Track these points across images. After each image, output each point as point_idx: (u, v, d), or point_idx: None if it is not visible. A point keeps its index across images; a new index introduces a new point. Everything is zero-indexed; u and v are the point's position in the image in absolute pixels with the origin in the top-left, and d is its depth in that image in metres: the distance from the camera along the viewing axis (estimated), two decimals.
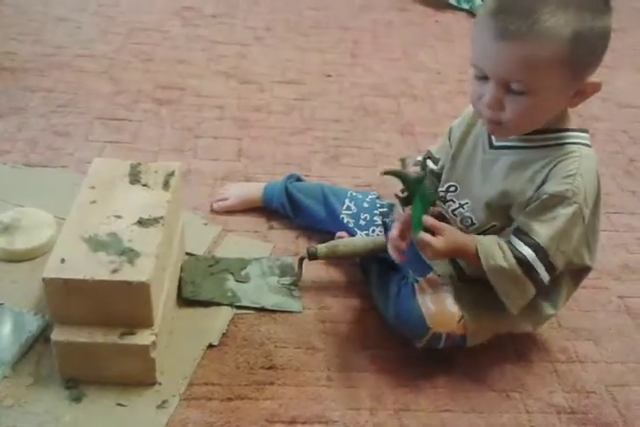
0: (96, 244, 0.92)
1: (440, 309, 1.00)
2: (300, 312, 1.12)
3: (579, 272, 1.04)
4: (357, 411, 0.98)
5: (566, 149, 0.93)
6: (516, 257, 0.94)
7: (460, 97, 1.82)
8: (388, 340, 1.08)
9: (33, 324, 1.01)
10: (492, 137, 0.99)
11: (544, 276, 0.95)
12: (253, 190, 1.34)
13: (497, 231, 1.00)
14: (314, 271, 1.20)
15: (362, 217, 1.23)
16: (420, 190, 0.93)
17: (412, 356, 1.06)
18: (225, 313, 1.09)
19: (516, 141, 0.97)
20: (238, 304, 1.11)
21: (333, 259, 1.18)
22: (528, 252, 0.93)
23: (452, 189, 1.06)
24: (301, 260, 1.15)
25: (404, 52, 2.05)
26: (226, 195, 1.33)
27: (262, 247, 1.24)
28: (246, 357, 1.03)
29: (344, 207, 1.25)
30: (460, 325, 0.99)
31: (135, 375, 0.94)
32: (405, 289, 1.05)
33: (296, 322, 1.10)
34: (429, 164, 1.11)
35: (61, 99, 1.62)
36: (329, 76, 1.87)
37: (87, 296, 0.88)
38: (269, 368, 1.01)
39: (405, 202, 0.95)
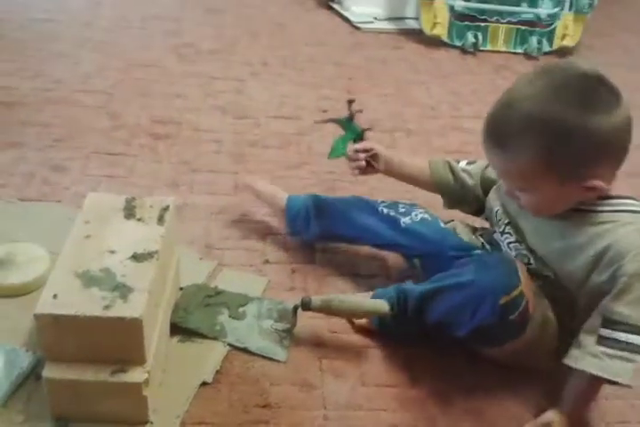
0: (89, 279, 0.91)
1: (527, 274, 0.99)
2: (283, 362, 1.07)
3: None
4: None
5: (620, 219, 0.94)
6: (630, 351, 0.92)
7: (454, 132, 1.85)
8: (387, 378, 1.07)
9: (24, 360, 0.99)
10: None
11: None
12: (280, 190, 1.36)
13: (552, 284, 1.03)
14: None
15: (400, 205, 1.24)
16: (349, 126, 1.21)
17: (411, 396, 1.04)
18: (219, 349, 1.07)
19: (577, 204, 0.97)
20: (222, 340, 1.08)
21: (327, 313, 1.12)
22: (636, 338, 0.92)
23: (507, 222, 1.09)
24: (295, 308, 1.11)
25: (398, 88, 2.08)
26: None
27: (257, 282, 1.23)
28: (240, 395, 1.01)
29: (379, 201, 1.26)
30: (533, 302, 0.97)
31: (127, 414, 0.92)
32: (490, 254, 1.11)
33: (292, 359, 1.08)
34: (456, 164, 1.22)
35: (58, 133, 1.63)
36: (325, 111, 1.89)
37: (79, 332, 0.87)
38: (264, 407, 0.99)
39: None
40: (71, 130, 1.64)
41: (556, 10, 2.48)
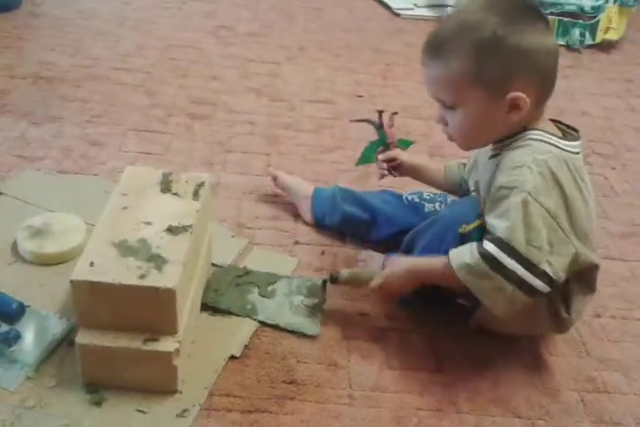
0: (125, 249, 0.92)
1: None
2: (315, 336, 1.08)
3: (585, 272, 1.02)
4: None
5: (519, 144, 0.97)
6: (480, 253, 0.94)
7: None
8: (413, 361, 1.07)
9: (58, 327, 1.01)
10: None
11: (523, 273, 0.92)
12: (307, 183, 1.40)
13: None
14: (341, 287, 1.19)
15: (425, 193, 1.29)
16: (378, 133, 1.26)
17: (436, 380, 1.04)
18: (248, 325, 1.08)
19: (493, 150, 1.03)
20: (254, 318, 1.09)
21: (355, 286, 1.14)
22: (491, 246, 0.93)
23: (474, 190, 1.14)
24: (324, 283, 1.13)
25: None
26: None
27: (287, 262, 1.24)
28: (267, 370, 1.02)
29: (404, 193, 1.31)
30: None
31: (157, 383, 0.94)
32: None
33: (319, 338, 1.09)
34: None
35: (96, 109, 1.65)
36: (360, 96, 1.88)
37: (113, 300, 0.88)
38: (290, 383, 1.00)
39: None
40: (109, 106, 1.66)
41: (601, 2, 2.42)
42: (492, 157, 1.03)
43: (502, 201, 0.94)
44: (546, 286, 0.94)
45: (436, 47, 0.96)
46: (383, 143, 1.27)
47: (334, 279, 1.12)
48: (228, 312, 1.09)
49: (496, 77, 0.93)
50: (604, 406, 1.04)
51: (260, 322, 1.09)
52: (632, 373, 1.10)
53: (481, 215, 1.00)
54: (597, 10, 2.43)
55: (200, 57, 1.98)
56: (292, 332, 1.08)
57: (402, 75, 2.03)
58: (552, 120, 1.04)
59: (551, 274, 0.94)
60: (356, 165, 1.32)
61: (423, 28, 2.39)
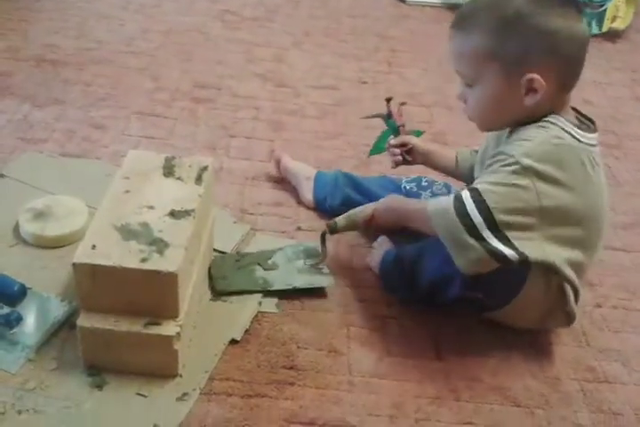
0: (127, 232, 0.92)
1: None
2: (330, 286, 1.14)
3: (573, 267, 1.01)
4: (377, 417, 0.96)
5: (534, 125, 0.97)
6: (454, 196, 0.96)
7: None
8: (413, 349, 1.07)
9: (59, 309, 1.01)
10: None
11: (475, 216, 0.92)
12: (310, 167, 1.40)
13: None
14: (342, 274, 1.19)
15: (423, 179, 1.31)
16: (387, 122, 1.28)
17: (436, 367, 1.04)
18: (249, 310, 1.08)
19: (509, 135, 1.02)
20: (270, 289, 1.12)
21: (352, 229, 1.20)
22: (465, 193, 0.95)
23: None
24: (323, 236, 1.17)
25: (441, 63, 2.04)
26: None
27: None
28: (268, 355, 1.02)
29: (403, 179, 1.32)
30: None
31: (157, 366, 0.94)
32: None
33: (320, 324, 1.09)
34: None
35: (100, 93, 1.64)
36: (364, 82, 1.87)
37: (115, 284, 0.88)
38: (290, 368, 1.00)
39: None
40: (113, 90, 1.65)
41: None
42: (507, 138, 1.02)
43: (496, 164, 0.95)
44: (513, 253, 0.93)
45: (461, 20, 0.98)
46: (394, 131, 1.28)
47: (333, 229, 1.17)
48: (243, 292, 1.11)
49: (514, 55, 0.93)
50: (604, 396, 1.04)
51: (277, 291, 1.12)
52: (632, 363, 1.10)
53: None
54: None
55: (205, 41, 1.97)
56: (310, 290, 1.13)
57: (406, 61, 2.02)
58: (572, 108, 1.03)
59: (516, 244, 0.93)
60: (369, 155, 1.34)
61: (429, 14, 2.37)
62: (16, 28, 1.89)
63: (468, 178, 1.23)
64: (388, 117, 1.28)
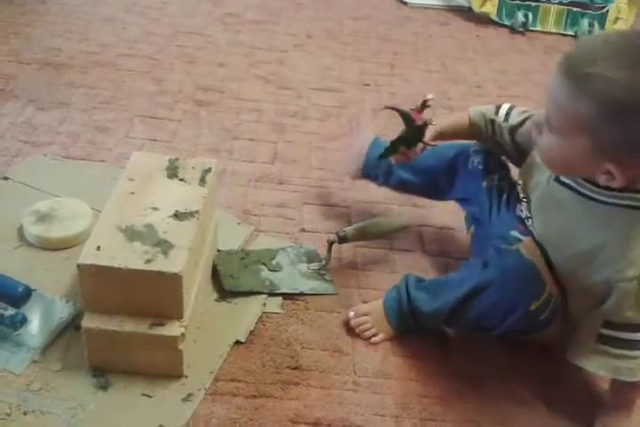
0: (132, 234, 0.92)
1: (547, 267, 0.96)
2: (336, 294, 1.15)
3: None
4: (382, 417, 0.96)
5: (622, 216, 0.88)
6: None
7: None
8: (418, 350, 1.07)
9: (64, 311, 1.01)
10: None
11: None
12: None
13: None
14: (344, 275, 1.19)
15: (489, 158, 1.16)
16: (408, 127, 1.08)
17: (441, 370, 1.04)
18: (253, 311, 1.08)
19: (579, 186, 0.92)
20: (277, 292, 1.13)
21: (362, 240, 1.21)
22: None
23: (524, 199, 1.06)
24: (331, 244, 1.18)
25: (443, 65, 2.04)
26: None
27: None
28: (272, 356, 1.02)
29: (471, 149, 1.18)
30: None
31: (162, 367, 0.94)
32: (508, 252, 0.99)
33: (324, 324, 1.09)
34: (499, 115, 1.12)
35: (103, 95, 1.64)
36: (367, 85, 1.87)
37: (120, 285, 0.89)
38: (295, 369, 1.01)
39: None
40: (116, 93, 1.66)
41: None
42: (564, 185, 0.95)
43: (636, 293, 0.89)
44: None
45: (575, 70, 0.82)
46: (415, 137, 1.08)
47: (343, 239, 1.17)
48: (250, 293, 1.12)
49: (610, 144, 0.83)
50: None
51: (284, 294, 1.13)
52: None
53: (545, 284, 0.94)
54: (607, 0, 2.41)
55: (207, 44, 1.97)
56: (315, 295, 1.14)
57: (409, 63, 2.02)
58: None
59: None
60: (379, 158, 1.14)
61: (430, 16, 2.38)
62: (20, 31, 1.90)
63: (479, 136, 1.14)
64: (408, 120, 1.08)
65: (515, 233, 1.03)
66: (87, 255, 0.88)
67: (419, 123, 1.06)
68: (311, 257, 1.21)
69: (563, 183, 0.95)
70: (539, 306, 0.93)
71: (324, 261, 1.20)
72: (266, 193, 1.39)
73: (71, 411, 0.89)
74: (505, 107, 1.12)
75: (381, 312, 1.09)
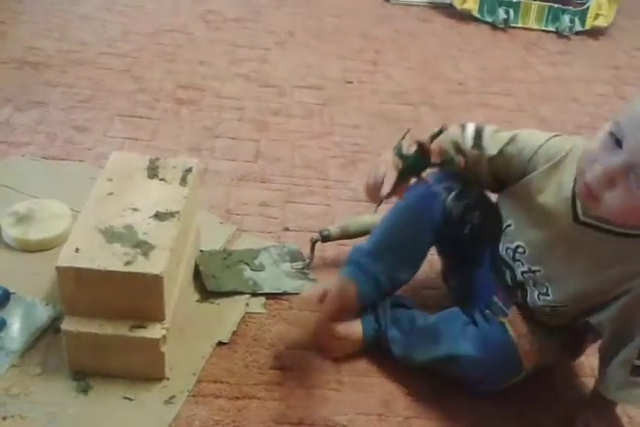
0: (111, 235, 0.91)
1: (533, 346, 0.92)
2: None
3: None
4: (367, 416, 0.96)
5: None
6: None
7: (480, 108, 1.82)
8: None
9: (44, 314, 1.00)
10: (578, 206, 0.84)
11: None
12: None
13: (568, 313, 0.92)
14: (328, 274, 1.18)
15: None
16: (407, 165, 0.85)
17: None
18: (236, 311, 1.08)
19: (609, 224, 0.82)
20: (261, 292, 1.12)
21: (345, 238, 1.20)
22: None
23: (520, 250, 0.93)
24: (314, 243, 1.18)
25: (426, 62, 2.04)
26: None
27: None
28: (256, 356, 1.01)
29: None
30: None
31: (144, 370, 0.93)
32: (493, 325, 0.95)
33: (307, 324, 1.08)
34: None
35: (82, 95, 1.62)
36: (349, 82, 1.87)
37: (99, 287, 0.87)
38: (279, 369, 1.00)
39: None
40: (95, 92, 1.64)
41: None
42: (592, 226, 0.84)
43: None
44: None
45: None
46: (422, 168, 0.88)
47: (326, 238, 1.17)
48: (234, 293, 1.11)
49: None
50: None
51: (267, 294, 1.13)
52: None
53: (522, 367, 0.91)
54: None
55: (188, 42, 1.95)
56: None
57: (392, 61, 2.02)
58: None
59: None
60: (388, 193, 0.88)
61: (413, 13, 2.37)
62: None
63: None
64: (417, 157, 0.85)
65: (497, 300, 0.98)
66: (66, 258, 0.87)
67: (435, 160, 0.87)
68: (294, 256, 1.21)
69: (588, 224, 0.84)
70: (513, 382, 0.94)
71: (307, 261, 1.20)
72: (248, 192, 1.38)
73: (51, 415, 0.87)
74: (470, 130, 0.94)
75: (360, 339, 1.02)
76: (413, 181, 0.88)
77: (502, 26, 2.33)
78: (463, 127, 0.95)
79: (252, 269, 1.16)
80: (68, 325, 0.90)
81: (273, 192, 1.39)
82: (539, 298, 0.92)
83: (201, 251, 1.18)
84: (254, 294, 1.12)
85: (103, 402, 0.90)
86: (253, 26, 2.12)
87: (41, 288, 1.05)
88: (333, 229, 1.20)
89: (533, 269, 0.92)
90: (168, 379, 0.95)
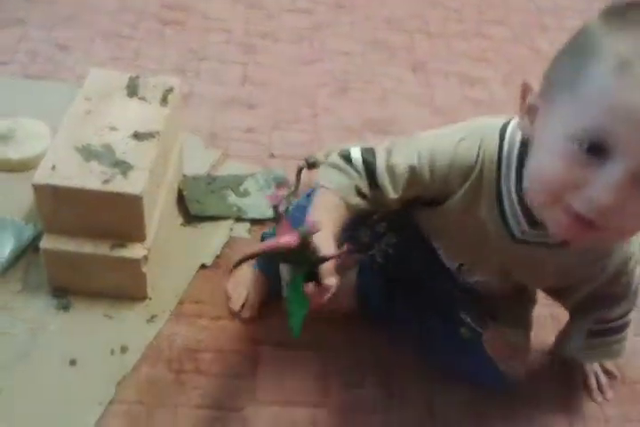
0: (89, 154, 0.89)
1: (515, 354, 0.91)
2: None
3: None
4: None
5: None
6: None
7: (476, 38, 1.76)
8: None
9: (24, 232, 0.99)
10: (516, 229, 0.72)
11: None
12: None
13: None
14: None
15: None
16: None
17: None
18: (220, 236, 1.07)
19: (549, 238, 0.70)
20: (245, 217, 1.12)
21: None
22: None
23: (464, 267, 0.86)
24: (300, 170, 1.16)
25: None
26: None
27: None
28: None
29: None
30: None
31: (126, 289, 0.94)
32: (471, 346, 0.90)
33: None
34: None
35: (63, 12, 1.56)
36: (342, 7, 1.79)
37: (78, 206, 0.86)
38: None
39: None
40: (77, 10, 1.57)
41: None
42: (532, 243, 0.73)
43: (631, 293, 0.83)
44: None
45: None
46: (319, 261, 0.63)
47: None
48: (218, 218, 1.10)
49: None
50: None
51: (251, 219, 1.12)
52: None
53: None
54: None
55: None
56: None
57: None
58: None
59: None
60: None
61: None
62: None
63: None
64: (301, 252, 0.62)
65: (465, 317, 0.91)
66: (42, 175, 0.85)
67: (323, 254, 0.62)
68: (281, 183, 1.20)
69: (526, 242, 0.73)
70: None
71: (292, 188, 1.19)
72: (235, 117, 1.35)
73: (31, 331, 0.88)
74: (357, 159, 0.76)
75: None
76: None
77: None
78: (347, 159, 0.76)
79: (236, 196, 1.15)
80: (46, 242, 0.89)
81: (260, 118, 1.36)
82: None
83: (184, 175, 1.16)
84: (238, 219, 1.12)
85: (84, 319, 0.91)
86: None
87: (22, 208, 1.04)
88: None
89: (486, 278, 0.86)
90: (150, 299, 0.96)
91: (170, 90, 1.01)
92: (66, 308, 0.92)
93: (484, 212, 0.72)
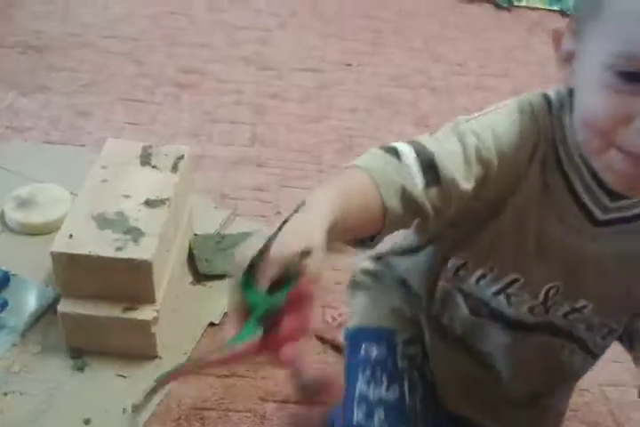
0: (103, 222, 0.95)
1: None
2: None
3: None
4: None
5: None
6: None
7: (478, 91, 1.83)
8: None
9: (43, 295, 1.05)
10: (595, 207, 0.60)
11: None
12: None
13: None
14: None
15: None
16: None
17: None
18: (227, 293, 1.12)
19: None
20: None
21: None
22: None
23: (511, 288, 0.65)
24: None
25: (426, 43, 2.04)
26: None
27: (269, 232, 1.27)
28: None
29: None
30: None
31: (137, 349, 0.98)
32: None
33: None
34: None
35: (85, 79, 1.66)
36: (349, 65, 1.88)
37: (92, 271, 0.92)
38: None
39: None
40: (97, 76, 1.67)
41: None
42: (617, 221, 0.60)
43: None
44: None
45: None
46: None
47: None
48: (226, 276, 1.13)
49: None
50: None
51: None
52: None
53: None
54: None
55: (189, 24, 1.97)
56: None
57: (392, 43, 2.02)
58: None
59: None
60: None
61: None
62: (2, 13, 1.90)
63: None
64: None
65: None
66: (59, 243, 0.91)
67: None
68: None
69: (611, 223, 0.61)
70: None
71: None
72: (244, 176, 1.42)
73: (49, 391, 0.93)
74: (405, 149, 0.58)
75: None
76: None
77: (506, 5, 2.31)
78: (391, 151, 0.57)
79: None
80: (63, 307, 0.95)
81: (268, 176, 1.42)
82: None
83: (195, 235, 1.22)
84: None
85: (98, 379, 0.96)
86: (255, 7, 2.12)
87: (41, 270, 1.09)
88: None
89: (576, 306, 0.66)
90: (160, 358, 1.00)
91: (181, 157, 1.08)
92: (81, 368, 0.96)
93: (553, 203, 0.60)
